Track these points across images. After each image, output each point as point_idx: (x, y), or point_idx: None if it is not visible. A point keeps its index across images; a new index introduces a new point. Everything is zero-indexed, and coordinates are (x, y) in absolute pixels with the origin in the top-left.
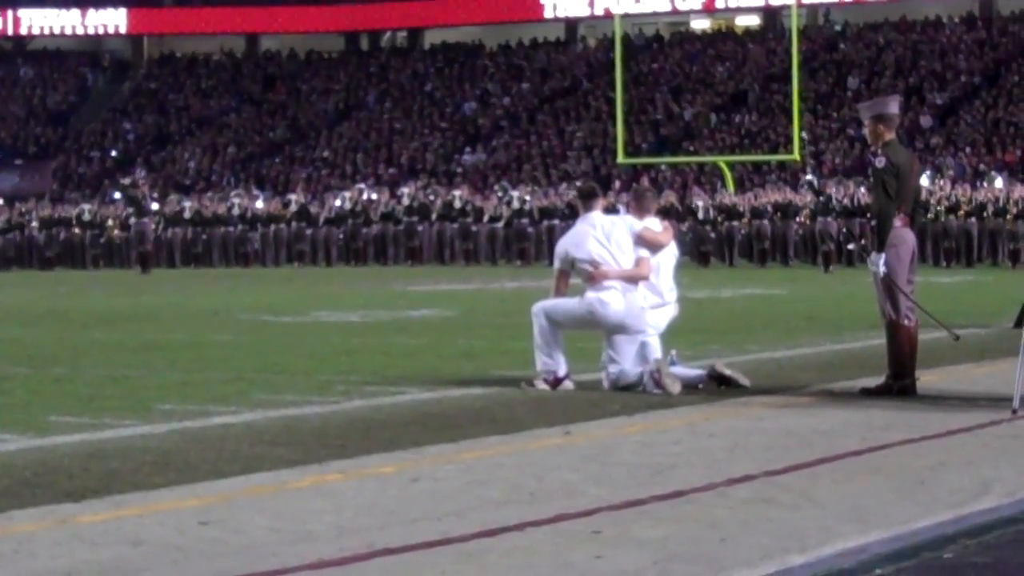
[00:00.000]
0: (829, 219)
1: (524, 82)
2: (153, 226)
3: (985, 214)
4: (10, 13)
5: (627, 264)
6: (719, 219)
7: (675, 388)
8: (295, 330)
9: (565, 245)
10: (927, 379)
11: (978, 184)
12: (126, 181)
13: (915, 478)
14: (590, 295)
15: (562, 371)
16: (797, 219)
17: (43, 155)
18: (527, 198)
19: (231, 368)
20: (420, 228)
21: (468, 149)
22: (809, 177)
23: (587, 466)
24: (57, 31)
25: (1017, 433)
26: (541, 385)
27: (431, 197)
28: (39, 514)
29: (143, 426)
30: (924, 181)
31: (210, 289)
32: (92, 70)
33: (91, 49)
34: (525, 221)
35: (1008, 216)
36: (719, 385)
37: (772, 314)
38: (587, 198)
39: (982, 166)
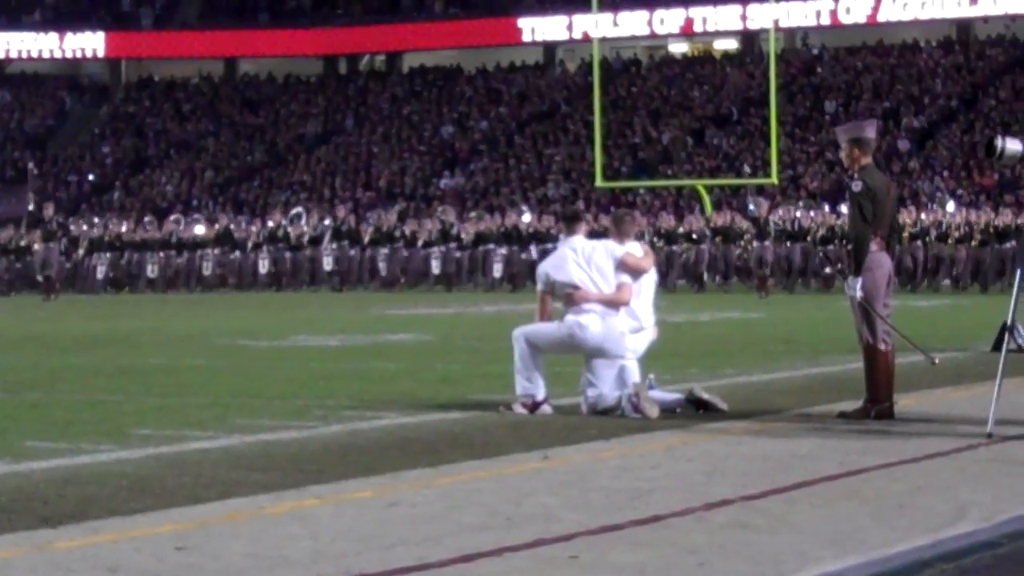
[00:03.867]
0: (766, 243)
1: (502, 106)
2: (60, 251)
3: (928, 239)
4: None
5: (607, 288)
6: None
7: (653, 412)
8: (272, 354)
9: (546, 268)
10: (905, 403)
11: (930, 207)
12: (29, 207)
13: (892, 502)
14: (569, 318)
15: (541, 395)
16: (738, 244)
17: (21, 179)
18: (453, 222)
19: (208, 393)
20: (352, 253)
21: (447, 173)
22: (751, 204)
23: (565, 491)
24: (35, 55)
25: (994, 457)
26: (519, 409)
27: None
28: (15, 540)
29: (120, 451)
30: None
31: (187, 314)
32: (70, 94)
33: (69, 73)
34: (453, 246)
35: (949, 241)
36: (697, 409)
37: (750, 338)
38: (570, 221)
39: (959, 191)
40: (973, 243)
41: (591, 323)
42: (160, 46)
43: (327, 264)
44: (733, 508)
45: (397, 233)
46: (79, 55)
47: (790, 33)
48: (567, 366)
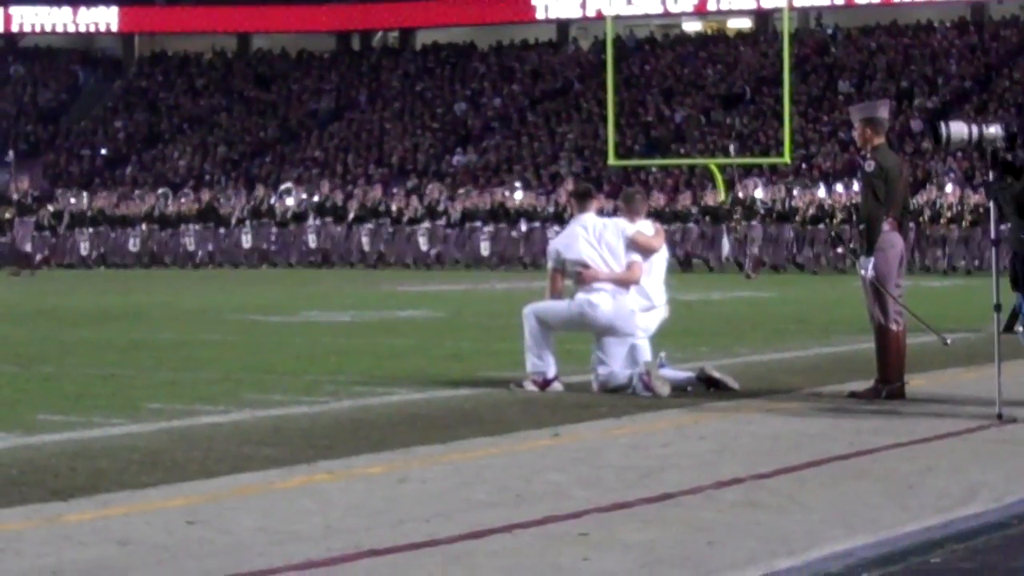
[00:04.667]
0: (754, 223)
1: (515, 83)
2: (32, 226)
3: (922, 219)
4: (1, 10)
5: (617, 267)
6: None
7: (664, 390)
8: (284, 330)
9: (556, 245)
10: (916, 383)
11: (927, 187)
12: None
13: (903, 482)
14: (580, 297)
15: (551, 372)
16: (728, 223)
17: (34, 153)
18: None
19: (220, 368)
20: (337, 229)
21: (459, 150)
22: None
23: (575, 468)
24: (48, 29)
25: (1005, 438)
26: (530, 386)
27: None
28: (26, 513)
29: (131, 425)
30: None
31: (197, 289)
32: (83, 68)
33: (82, 47)
34: (440, 223)
35: (941, 221)
36: (708, 388)
37: (761, 317)
38: (581, 198)
39: (973, 172)
40: (964, 223)
41: (602, 301)
42: (173, 21)
43: (311, 241)
44: (743, 487)
45: (382, 209)
46: (92, 29)
47: (804, 13)
48: (578, 344)
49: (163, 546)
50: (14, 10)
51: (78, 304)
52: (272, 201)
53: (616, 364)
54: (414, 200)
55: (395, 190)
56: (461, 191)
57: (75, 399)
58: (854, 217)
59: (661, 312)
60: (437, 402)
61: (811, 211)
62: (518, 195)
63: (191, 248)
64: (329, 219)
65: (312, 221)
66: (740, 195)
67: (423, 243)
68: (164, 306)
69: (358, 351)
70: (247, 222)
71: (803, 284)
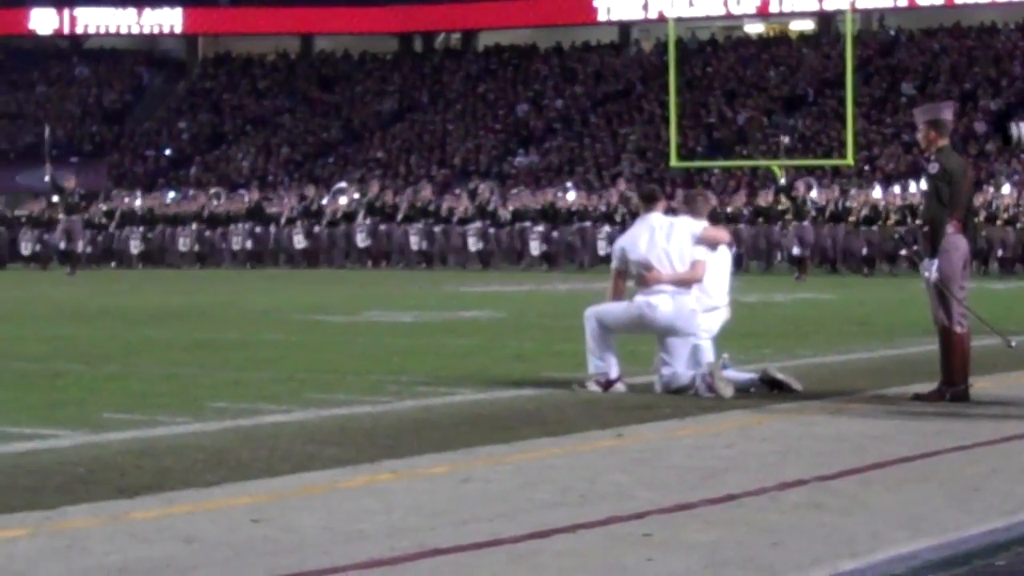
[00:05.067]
0: (805, 223)
1: (577, 85)
2: (81, 225)
3: (977, 219)
4: (67, 12)
5: (681, 267)
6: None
7: (727, 392)
8: (347, 330)
9: (622, 243)
10: (980, 386)
11: (984, 188)
12: (46, 179)
13: (968, 485)
14: (639, 298)
15: (614, 373)
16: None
17: (98, 153)
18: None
19: (283, 367)
20: (383, 228)
21: (521, 151)
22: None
23: (638, 469)
24: (113, 30)
25: None
26: (593, 387)
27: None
28: (92, 510)
29: (196, 424)
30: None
31: (262, 288)
32: (147, 69)
33: (147, 48)
34: (489, 223)
35: (998, 222)
36: (771, 389)
37: (824, 319)
38: (648, 200)
39: None
40: (1019, 225)
41: (661, 303)
42: (237, 22)
43: (360, 240)
44: (807, 488)
45: (432, 209)
46: (157, 31)
47: (867, 14)
48: (641, 345)
49: (228, 544)
50: (79, 12)
51: (142, 303)
52: (324, 201)
53: (680, 364)
54: (464, 200)
55: (456, 191)
56: (514, 191)
57: (140, 398)
58: (908, 218)
59: (723, 313)
60: (500, 402)
61: (864, 212)
62: (570, 195)
63: (239, 248)
64: (379, 219)
65: (362, 220)
66: (792, 195)
67: (472, 243)
68: (227, 305)
69: (421, 351)
70: (297, 222)
71: (866, 286)
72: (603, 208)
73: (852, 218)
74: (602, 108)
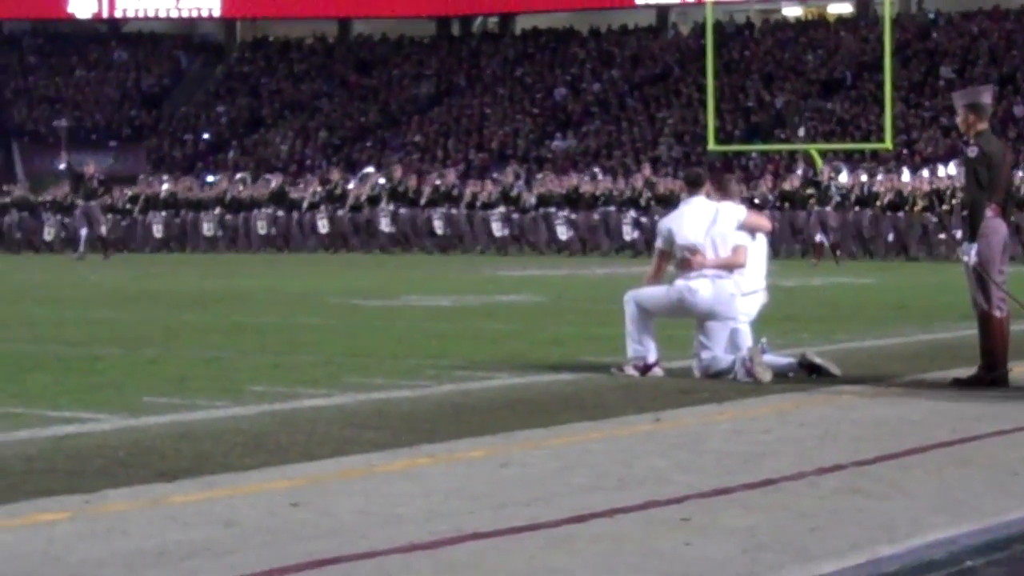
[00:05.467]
0: (828, 209)
1: (615, 68)
2: (98, 209)
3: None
4: None
5: (724, 251)
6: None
7: (766, 376)
8: (385, 314)
9: (668, 223)
10: (1020, 370)
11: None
12: (61, 166)
13: (1007, 469)
14: (679, 283)
15: (652, 357)
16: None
17: (137, 137)
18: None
19: (321, 351)
20: (403, 212)
21: (559, 135)
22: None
23: (676, 453)
24: (151, 14)
25: None
26: (631, 371)
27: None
28: (132, 494)
29: (234, 408)
30: None
31: (298, 272)
32: (186, 53)
33: (185, 32)
34: (512, 208)
35: None
36: (810, 374)
37: (862, 303)
38: (692, 184)
39: None
40: None
41: (701, 287)
42: (275, 6)
43: (384, 225)
44: (845, 473)
45: (456, 193)
46: (195, 15)
47: None
48: (679, 329)
49: (267, 528)
50: None
51: (181, 287)
52: (350, 185)
53: (718, 349)
54: (489, 184)
55: (495, 175)
56: (540, 175)
57: (179, 382)
58: (935, 203)
59: (761, 297)
60: (538, 387)
61: (889, 197)
62: (601, 182)
63: (262, 232)
64: (402, 204)
65: (385, 205)
66: (817, 180)
67: (497, 228)
68: (265, 290)
69: (459, 335)
70: (321, 207)
71: (904, 270)
72: (628, 193)
73: (878, 203)
74: (640, 92)
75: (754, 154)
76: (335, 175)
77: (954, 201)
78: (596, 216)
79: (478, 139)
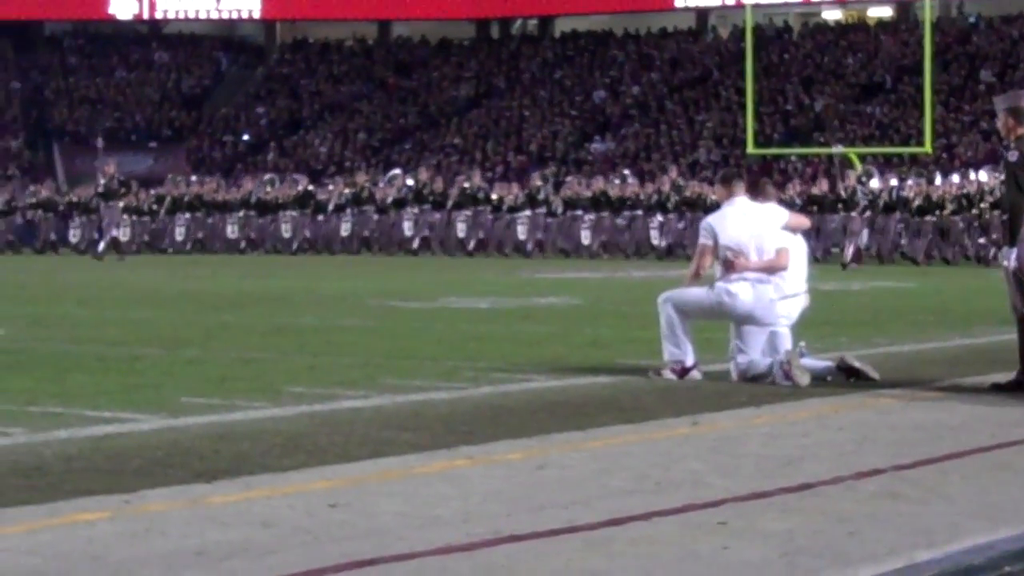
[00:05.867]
0: (853, 214)
1: (654, 71)
2: (117, 211)
3: None
4: None
5: (767, 254)
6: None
7: (804, 380)
8: (423, 316)
9: (712, 222)
10: None
11: None
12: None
13: None
14: (719, 285)
15: (690, 361)
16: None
17: (177, 139)
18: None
19: (360, 353)
20: (435, 216)
21: (597, 138)
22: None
23: (714, 457)
24: (192, 16)
25: None
26: (668, 374)
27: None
28: (171, 494)
29: (273, 409)
30: None
31: (337, 274)
32: (226, 55)
33: (225, 34)
34: (541, 211)
35: None
36: (848, 378)
37: (901, 307)
38: (728, 183)
39: None
40: None
41: (741, 291)
42: (315, 8)
43: (407, 228)
44: (884, 477)
45: (481, 196)
46: (235, 16)
47: (945, 1)
48: (717, 332)
49: (305, 529)
50: None
51: (220, 288)
52: (380, 185)
53: (755, 353)
54: (515, 188)
55: (535, 176)
56: (569, 178)
57: (218, 382)
58: (964, 208)
59: (802, 300)
60: (576, 389)
61: (918, 202)
62: (628, 185)
63: (287, 235)
64: (428, 206)
65: (410, 208)
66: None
67: (521, 232)
68: (303, 291)
69: (497, 337)
70: (347, 209)
71: (943, 274)
72: (656, 197)
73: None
74: (679, 95)
75: (793, 157)
76: (361, 177)
77: (983, 205)
78: (621, 220)
79: (516, 141)
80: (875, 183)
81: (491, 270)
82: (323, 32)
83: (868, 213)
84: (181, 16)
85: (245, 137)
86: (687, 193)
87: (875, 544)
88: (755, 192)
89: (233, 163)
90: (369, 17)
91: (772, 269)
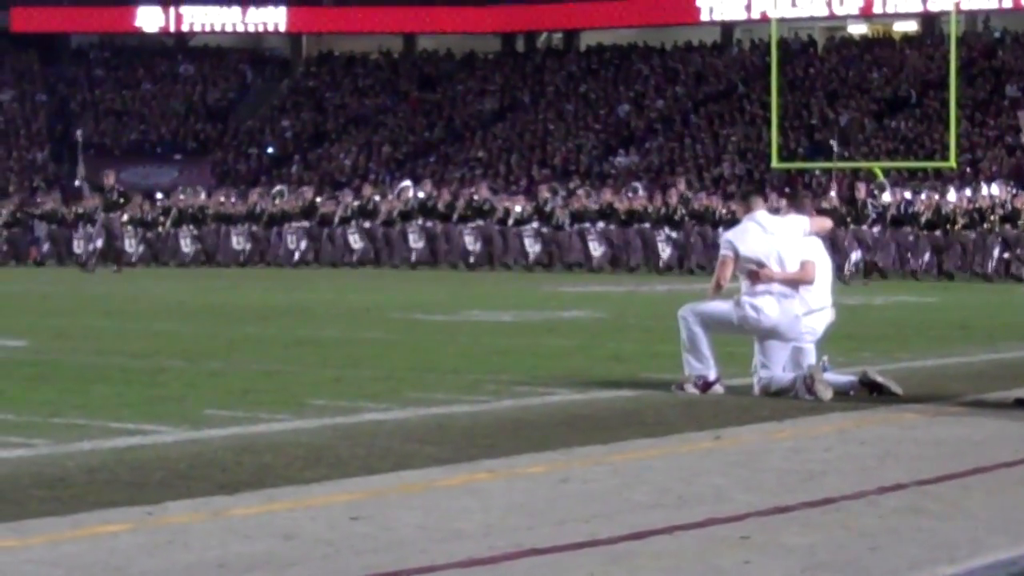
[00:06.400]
0: (863, 228)
1: (679, 85)
2: (121, 222)
3: None
4: (172, 10)
5: (792, 266)
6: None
7: (827, 394)
8: (446, 329)
9: (731, 237)
10: None
11: None
12: (76, 182)
13: None
14: (745, 299)
15: (712, 375)
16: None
17: (202, 151)
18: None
19: (383, 366)
20: (439, 229)
21: (621, 151)
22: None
23: (736, 471)
24: (218, 28)
25: None
26: (691, 389)
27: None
28: (193, 506)
29: (296, 421)
30: None
31: (359, 286)
32: (251, 67)
33: (251, 47)
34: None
35: None
36: (871, 392)
37: (924, 322)
38: (746, 198)
39: None
40: None
41: (767, 306)
42: (341, 21)
43: (412, 241)
44: (906, 493)
45: (487, 208)
46: (261, 29)
47: (971, 16)
48: (739, 347)
49: (327, 541)
50: (185, 10)
51: (243, 301)
52: (390, 197)
53: (778, 367)
54: (522, 200)
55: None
56: (580, 191)
57: (241, 394)
58: (975, 223)
59: (828, 314)
60: (599, 403)
61: (927, 216)
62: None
63: (292, 247)
64: (434, 219)
65: (416, 221)
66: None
67: (528, 244)
68: (327, 304)
69: (520, 351)
70: (353, 221)
71: (967, 290)
72: (664, 210)
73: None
74: (703, 108)
75: (817, 171)
76: (367, 190)
77: (992, 218)
78: (629, 233)
79: (541, 155)
80: (887, 197)
81: (514, 283)
82: (349, 45)
83: (878, 227)
84: (207, 29)
85: (270, 150)
86: (695, 206)
87: (897, 559)
88: (792, 204)
89: (258, 176)
90: (395, 30)
91: (798, 282)
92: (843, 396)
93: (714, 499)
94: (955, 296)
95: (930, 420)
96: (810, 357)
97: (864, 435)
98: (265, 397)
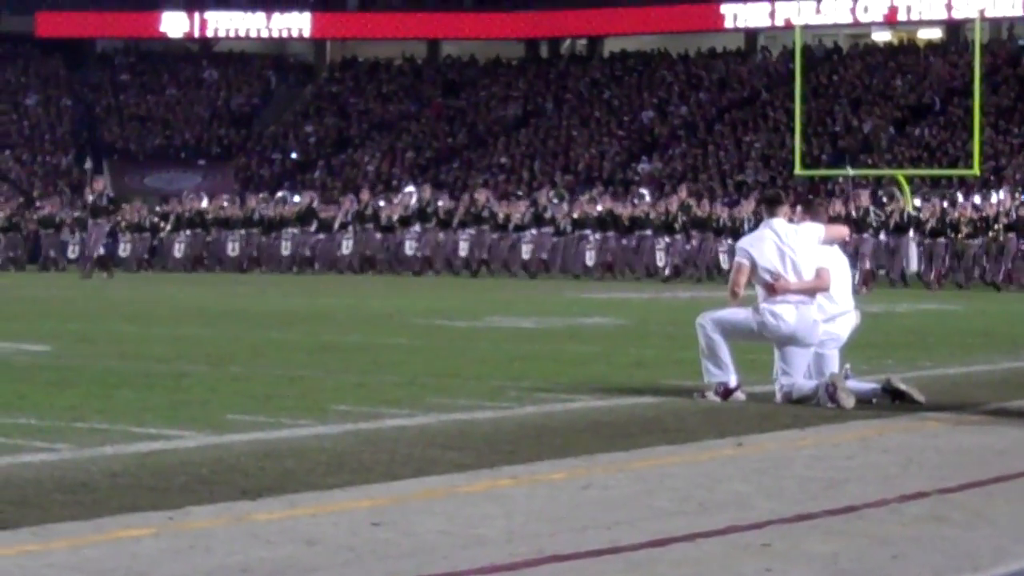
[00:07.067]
0: (866, 235)
1: (703, 92)
2: (108, 228)
3: None
4: (197, 16)
5: (806, 274)
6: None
7: (849, 402)
8: (468, 335)
9: (745, 244)
10: None
11: None
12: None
13: None
14: (764, 306)
15: (733, 382)
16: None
17: (226, 156)
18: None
19: (405, 371)
20: (439, 235)
21: (645, 158)
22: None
23: (758, 478)
24: (242, 34)
25: None
26: (712, 396)
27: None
28: (216, 511)
29: (318, 426)
30: None
31: (383, 292)
32: (275, 73)
33: (275, 52)
34: (547, 230)
35: None
36: (893, 400)
37: (947, 330)
38: (770, 204)
39: None
40: None
41: (785, 312)
42: (365, 27)
43: (408, 247)
44: (928, 501)
45: (486, 215)
46: (285, 35)
47: (995, 23)
48: (761, 354)
49: (349, 547)
50: (209, 15)
51: (266, 306)
52: (395, 201)
53: (798, 374)
54: (521, 206)
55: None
56: (584, 197)
57: (264, 400)
58: (979, 231)
59: (852, 318)
60: (620, 409)
61: (931, 224)
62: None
63: (287, 252)
64: (432, 225)
65: (415, 226)
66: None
67: (526, 251)
68: (349, 309)
69: (542, 357)
70: (350, 227)
71: (990, 298)
72: (664, 217)
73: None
74: (727, 115)
75: (841, 179)
76: (366, 195)
77: (996, 227)
78: (627, 240)
79: (564, 161)
80: (905, 204)
81: (537, 289)
82: (372, 51)
83: (882, 234)
84: (231, 34)
85: (293, 155)
86: (696, 213)
87: (919, 568)
88: (808, 211)
89: (281, 181)
90: (418, 36)
91: (814, 291)
92: (865, 404)
93: (736, 506)
94: (977, 304)
95: (953, 428)
96: (833, 365)
97: (886, 443)
98: (288, 402)
